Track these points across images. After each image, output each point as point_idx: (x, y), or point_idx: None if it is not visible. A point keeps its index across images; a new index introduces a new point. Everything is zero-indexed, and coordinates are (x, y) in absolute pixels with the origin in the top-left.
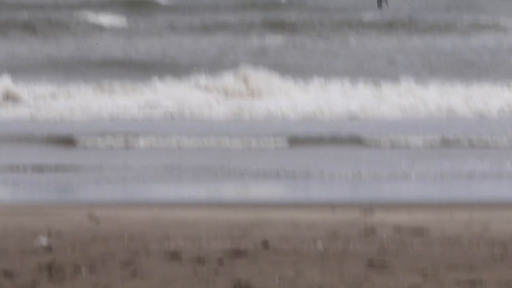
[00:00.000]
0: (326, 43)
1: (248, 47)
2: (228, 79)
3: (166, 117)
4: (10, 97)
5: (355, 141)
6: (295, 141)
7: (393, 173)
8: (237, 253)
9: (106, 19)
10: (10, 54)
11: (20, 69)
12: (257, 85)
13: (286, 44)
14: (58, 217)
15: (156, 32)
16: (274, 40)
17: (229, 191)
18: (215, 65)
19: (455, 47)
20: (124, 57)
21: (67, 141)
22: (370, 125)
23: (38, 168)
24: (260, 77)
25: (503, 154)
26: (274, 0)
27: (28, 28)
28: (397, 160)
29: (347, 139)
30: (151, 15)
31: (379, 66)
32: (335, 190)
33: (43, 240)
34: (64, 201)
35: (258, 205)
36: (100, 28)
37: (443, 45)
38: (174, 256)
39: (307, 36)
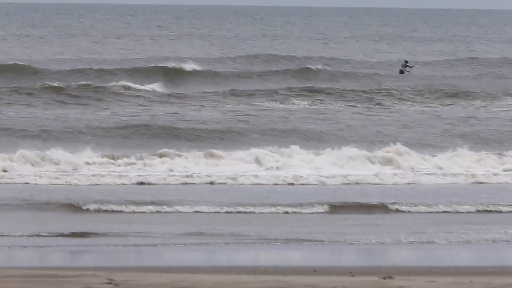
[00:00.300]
0: (353, 109)
1: (278, 113)
2: (257, 151)
3: (200, 184)
4: (43, 163)
5: (382, 207)
6: (328, 207)
7: (414, 239)
8: None
9: (140, 86)
10: (43, 120)
11: (55, 136)
12: (287, 155)
13: (314, 110)
14: (77, 283)
15: (188, 98)
16: (302, 106)
17: (249, 256)
18: (244, 133)
19: (482, 114)
20: (156, 123)
21: (91, 208)
22: (399, 191)
23: (60, 234)
24: (290, 148)
25: None
26: (306, 67)
27: (61, 94)
28: (420, 226)
29: (374, 205)
30: (183, 81)
31: (408, 132)
32: (355, 255)
33: None
34: (83, 266)
35: (277, 270)
36: (133, 94)
37: (471, 111)
38: None
39: (335, 102)
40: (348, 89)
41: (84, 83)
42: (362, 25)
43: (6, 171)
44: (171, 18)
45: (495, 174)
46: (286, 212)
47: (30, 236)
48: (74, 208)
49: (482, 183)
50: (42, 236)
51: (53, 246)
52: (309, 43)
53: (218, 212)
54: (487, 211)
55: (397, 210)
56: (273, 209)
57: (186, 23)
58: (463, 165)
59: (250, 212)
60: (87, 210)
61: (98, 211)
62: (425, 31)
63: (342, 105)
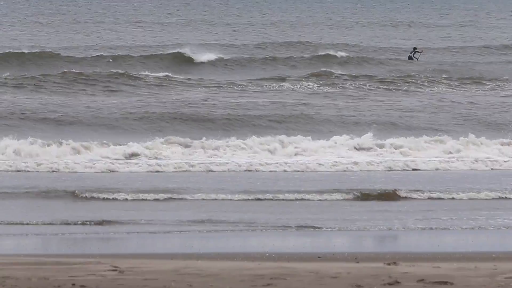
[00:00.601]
0: (366, 96)
1: (292, 102)
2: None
3: (218, 171)
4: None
5: (391, 194)
6: (339, 194)
7: (422, 226)
8: None
9: (157, 73)
10: (59, 106)
11: (70, 122)
12: (297, 145)
13: (330, 97)
14: (82, 270)
15: (209, 84)
16: (320, 91)
17: (255, 242)
18: (258, 119)
19: (496, 99)
20: (169, 110)
21: (98, 196)
22: (410, 177)
23: (65, 222)
24: (301, 139)
25: None
26: (327, 53)
27: (78, 80)
28: (429, 213)
29: (384, 192)
30: (200, 68)
31: (420, 119)
32: (362, 241)
33: None
34: (88, 253)
35: (282, 257)
36: (149, 81)
37: (483, 96)
38: None
39: (351, 87)
40: (362, 75)
41: (99, 70)
42: (370, 10)
43: (16, 157)
44: (179, 4)
45: (506, 160)
46: (297, 199)
47: (36, 224)
48: (82, 196)
49: (497, 169)
50: (47, 224)
51: (58, 234)
52: (320, 29)
53: (230, 200)
54: (498, 198)
55: (407, 197)
56: (283, 196)
57: (194, 10)
58: (477, 150)
59: (259, 199)
60: (94, 198)
61: (106, 199)
62: (433, 17)
63: (359, 91)
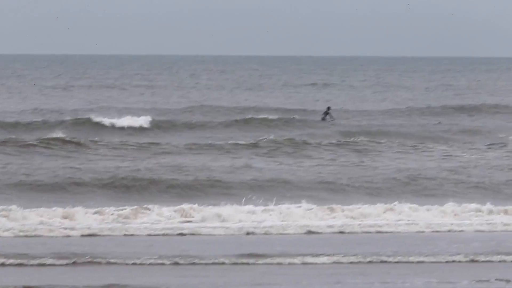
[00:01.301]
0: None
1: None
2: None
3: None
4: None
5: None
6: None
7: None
8: None
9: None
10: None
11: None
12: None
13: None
14: None
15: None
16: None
17: None
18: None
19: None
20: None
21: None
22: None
23: None
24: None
25: None
26: (250, 117)
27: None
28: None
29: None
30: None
31: (357, 184)
32: None
33: None
34: None
35: None
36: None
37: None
38: None
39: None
40: (277, 141)
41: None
42: (279, 73)
43: None
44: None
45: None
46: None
47: None
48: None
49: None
50: None
51: None
52: (240, 92)
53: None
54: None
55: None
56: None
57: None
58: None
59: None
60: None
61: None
62: (356, 78)
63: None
